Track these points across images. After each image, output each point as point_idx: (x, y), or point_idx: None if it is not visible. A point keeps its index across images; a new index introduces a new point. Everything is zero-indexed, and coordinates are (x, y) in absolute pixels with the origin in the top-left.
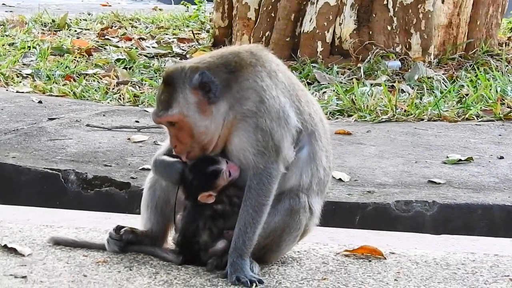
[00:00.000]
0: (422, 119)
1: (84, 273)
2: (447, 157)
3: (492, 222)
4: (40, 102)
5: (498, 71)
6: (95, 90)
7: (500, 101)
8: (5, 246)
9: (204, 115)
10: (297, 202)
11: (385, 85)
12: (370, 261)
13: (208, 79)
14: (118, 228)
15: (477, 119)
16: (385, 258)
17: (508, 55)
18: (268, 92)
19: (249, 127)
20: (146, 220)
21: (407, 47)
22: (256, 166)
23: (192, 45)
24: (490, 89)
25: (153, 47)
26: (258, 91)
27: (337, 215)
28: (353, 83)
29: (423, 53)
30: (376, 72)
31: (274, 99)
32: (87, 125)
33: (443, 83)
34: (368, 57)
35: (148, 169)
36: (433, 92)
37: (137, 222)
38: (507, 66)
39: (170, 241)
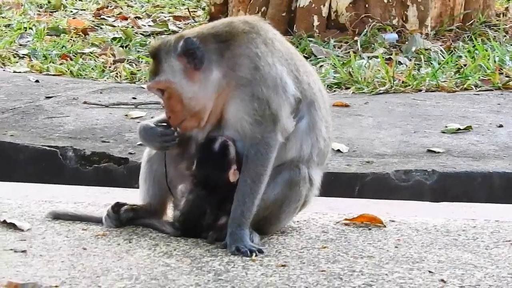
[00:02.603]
0: (420, 90)
1: (84, 246)
2: (446, 126)
3: (492, 189)
4: (37, 81)
5: (496, 41)
6: (92, 68)
7: (499, 70)
8: (4, 221)
9: (192, 81)
10: (297, 173)
11: (382, 57)
12: (370, 229)
13: (192, 45)
14: (117, 205)
15: (476, 88)
16: (385, 226)
17: (506, 25)
18: (263, 59)
19: (244, 95)
20: (145, 194)
21: (404, 19)
22: (253, 135)
23: (188, 23)
24: (488, 59)
25: (149, 25)
26: (252, 57)
27: (336, 185)
28: (350, 57)
29: (420, 25)
30: (373, 45)
31: (270, 66)
32: (84, 103)
33: (440, 54)
34: (365, 30)
35: None
36: (431, 64)
37: (136, 196)
38: (505, 36)
39: (169, 214)
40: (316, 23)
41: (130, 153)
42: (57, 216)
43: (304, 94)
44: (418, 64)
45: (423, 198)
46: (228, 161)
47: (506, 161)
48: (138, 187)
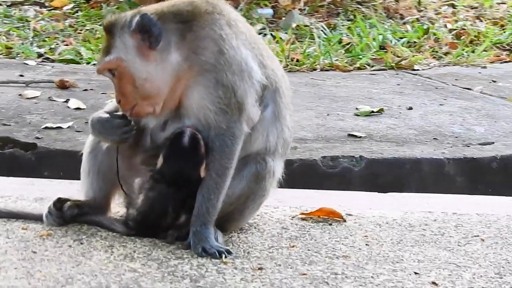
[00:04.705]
0: (315, 69)
1: (32, 249)
2: (357, 108)
3: (421, 176)
4: None
5: (372, 19)
6: None
7: (384, 49)
8: None
9: (146, 60)
10: (263, 166)
11: (264, 34)
12: (330, 224)
13: (149, 22)
14: (59, 201)
15: (369, 68)
16: (344, 221)
17: (377, 1)
18: (228, 42)
19: (208, 82)
20: (88, 188)
21: None
22: (218, 126)
23: None
24: (374, 38)
25: None
26: (216, 40)
27: None
28: None
29: (293, 1)
30: (250, 20)
31: (235, 50)
32: None
33: (322, 31)
34: (240, 5)
35: (52, 128)
36: (313, 41)
37: (65, 187)
38: (382, 13)
39: (118, 211)
40: None
41: (37, 138)
42: None
43: (270, 81)
44: (300, 41)
45: (351, 185)
46: (200, 155)
47: (430, 146)
48: (49, 176)
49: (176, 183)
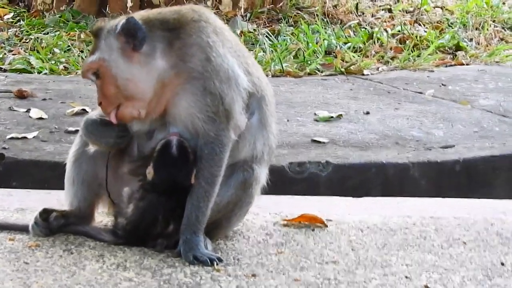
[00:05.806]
0: (267, 75)
1: (24, 260)
2: (315, 114)
3: (387, 180)
4: None
5: (314, 25)
6: None
7: (330, 53)
8: None
9: (130, 61)
10: (250, 174)
11: None
12: (313, 230)
13: (134, 25)
14: (45, 212)
15: (320, 73)
16: (326, 226)
17: (315, 7)
18: (215, 49)
19: (196, 90)
20: (72, 197)
21: (218, 0)
22: (206, 133)
23: None
24: (320, 44)
25: None
26: (204, 47)
27: None
28: None
29: (234, 7)
30: None
31: (222, 57)
32: None
33: (267, 37)
34: None
35: (18, 138)
36: (260, 47)
37: (42, 197)
38: (323, 19)
39: (101, 220)
40: (129, 4)
41: (4, 148)
42: None
43: (255, 88)
44: (247, 47)
45: (319, 191)
46: (191, 163)
47: (393, 151)
48: (16, 186)
49: (167, 192)
